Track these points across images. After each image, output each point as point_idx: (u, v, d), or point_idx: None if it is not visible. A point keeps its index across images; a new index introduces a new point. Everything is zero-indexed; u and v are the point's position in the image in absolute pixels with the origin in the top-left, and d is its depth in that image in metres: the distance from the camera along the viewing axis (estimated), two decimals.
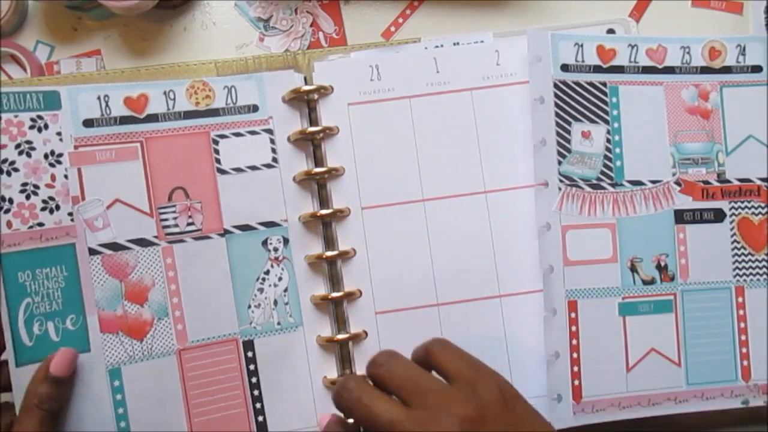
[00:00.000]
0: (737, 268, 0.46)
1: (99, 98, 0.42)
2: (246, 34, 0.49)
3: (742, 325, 0.46)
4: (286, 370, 0.43)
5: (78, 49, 0.48)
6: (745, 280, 0.46)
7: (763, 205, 0.47)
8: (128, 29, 0.48)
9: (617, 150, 0.45)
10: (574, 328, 0.44)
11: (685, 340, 0.45)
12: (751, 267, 0.47)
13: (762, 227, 0.47)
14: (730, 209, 0.47)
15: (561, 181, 0.44)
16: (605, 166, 0.45)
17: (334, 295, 0.43)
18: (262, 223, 0.43)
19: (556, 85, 0.44)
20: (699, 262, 0.46)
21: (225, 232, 0.43)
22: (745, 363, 0.46)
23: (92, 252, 0.41)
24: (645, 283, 0.45)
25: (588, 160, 0.45)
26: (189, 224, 0.42)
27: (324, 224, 0.44)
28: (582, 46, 0.45)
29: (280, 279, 0.43)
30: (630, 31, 0.49)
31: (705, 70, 0.47)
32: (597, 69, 0.45)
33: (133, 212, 0.41)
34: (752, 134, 0.47)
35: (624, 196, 0.45)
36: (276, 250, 0.43)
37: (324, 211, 0.43)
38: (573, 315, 0.44)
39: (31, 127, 0.41)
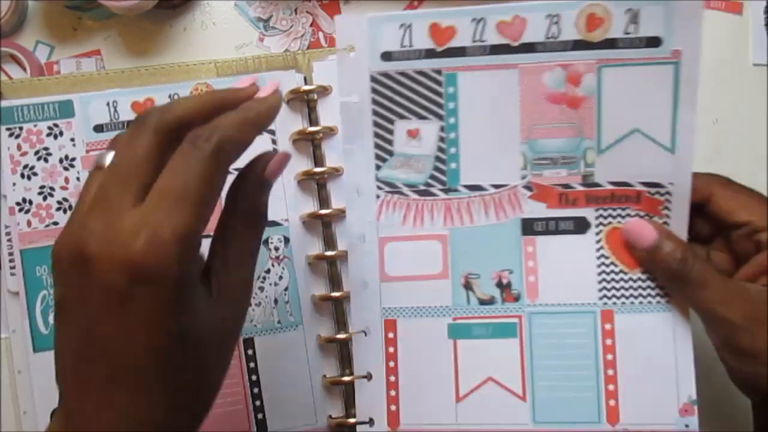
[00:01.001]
0: (605, 288, 0.39)
1: (108, 104, 0.45)
2: (246, 34, 0.49)
3: (610, 357, 0.39)
4: (287, 369, 0.44)
5: (78, 49, 0.49)
6: (614, 303, 0.39)
7: (641, 214, 0.38)
8: (128, 29, 0.49)
9: (452, 150, 0.39)
10: (392, 349, 0.40)
11: (532, 370, 0.39)
12: (623, 288, 0.39)
13: None
14: (597, 218, 0.39)
15: (379, 188, 0.40)
16: (436, 169, 0.39)
17: (335, 294, 0.44)
18: None
19: (374, 79, 0.39)
20: (553, 280, 0.39)
21: None
22: (612, 402, 0.39)
23: None
24: (482, 302, 0.40)
25: (415, 163, 0.39)
26: None
27: (324, 224, 0.45)
28: (410, 26, 0.38)
29: (280, 278, 0.44)
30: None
31: (580, 44, 0.37)
32: (430, 53, 0.39)
33: None
34: (639, 128, 0.38)
35: (459, 204, 0.39)
36: (277, 249, 0.44)
37: (324, 211, 0.44)
38: (391, 335, 0.40)
39: (48, 135, 0.45)
